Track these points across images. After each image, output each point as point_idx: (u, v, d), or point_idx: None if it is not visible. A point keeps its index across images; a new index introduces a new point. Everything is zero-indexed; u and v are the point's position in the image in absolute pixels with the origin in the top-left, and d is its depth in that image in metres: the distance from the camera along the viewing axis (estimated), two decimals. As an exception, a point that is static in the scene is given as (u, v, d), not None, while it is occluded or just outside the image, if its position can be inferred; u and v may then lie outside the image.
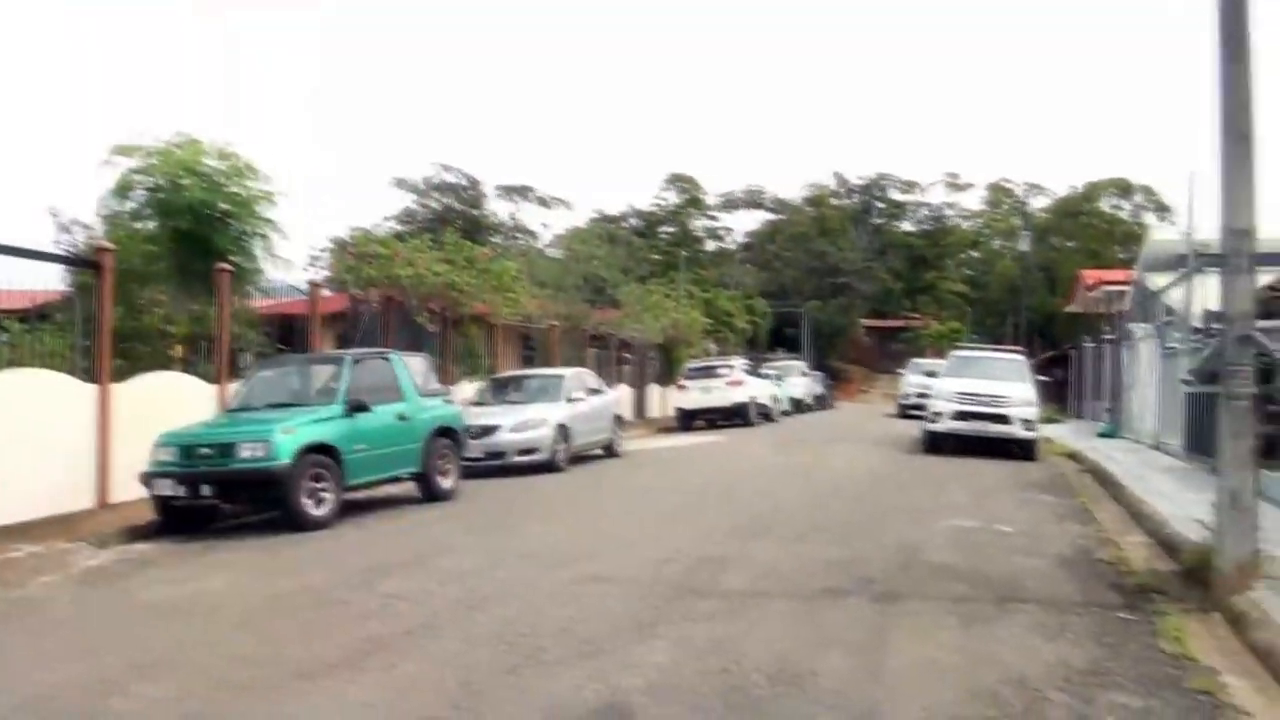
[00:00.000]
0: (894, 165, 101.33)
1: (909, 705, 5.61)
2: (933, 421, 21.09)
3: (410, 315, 20.23)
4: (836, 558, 9.65)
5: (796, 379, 39.72)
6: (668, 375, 34.85)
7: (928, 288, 77.46)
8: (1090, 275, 41.14)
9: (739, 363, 32.45)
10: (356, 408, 12.46)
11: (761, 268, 75.62)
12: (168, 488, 11.64)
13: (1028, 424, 20.33)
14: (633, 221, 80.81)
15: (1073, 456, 20.70)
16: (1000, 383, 21.14)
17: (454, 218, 71.27)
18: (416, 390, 13.78)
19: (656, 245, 74.33)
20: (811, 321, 68.79)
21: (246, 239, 17.38)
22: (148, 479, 11.80)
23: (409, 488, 14.10)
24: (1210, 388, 8.43)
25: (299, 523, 11.54)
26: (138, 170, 17.12)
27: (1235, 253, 8.16)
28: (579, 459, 18.94)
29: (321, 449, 11.93)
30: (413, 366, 14.04)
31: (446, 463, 14.20)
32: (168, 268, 16.90)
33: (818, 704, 5.61)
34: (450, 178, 73.47)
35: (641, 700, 5.61)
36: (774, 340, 65.98)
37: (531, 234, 74.98)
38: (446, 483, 14.11)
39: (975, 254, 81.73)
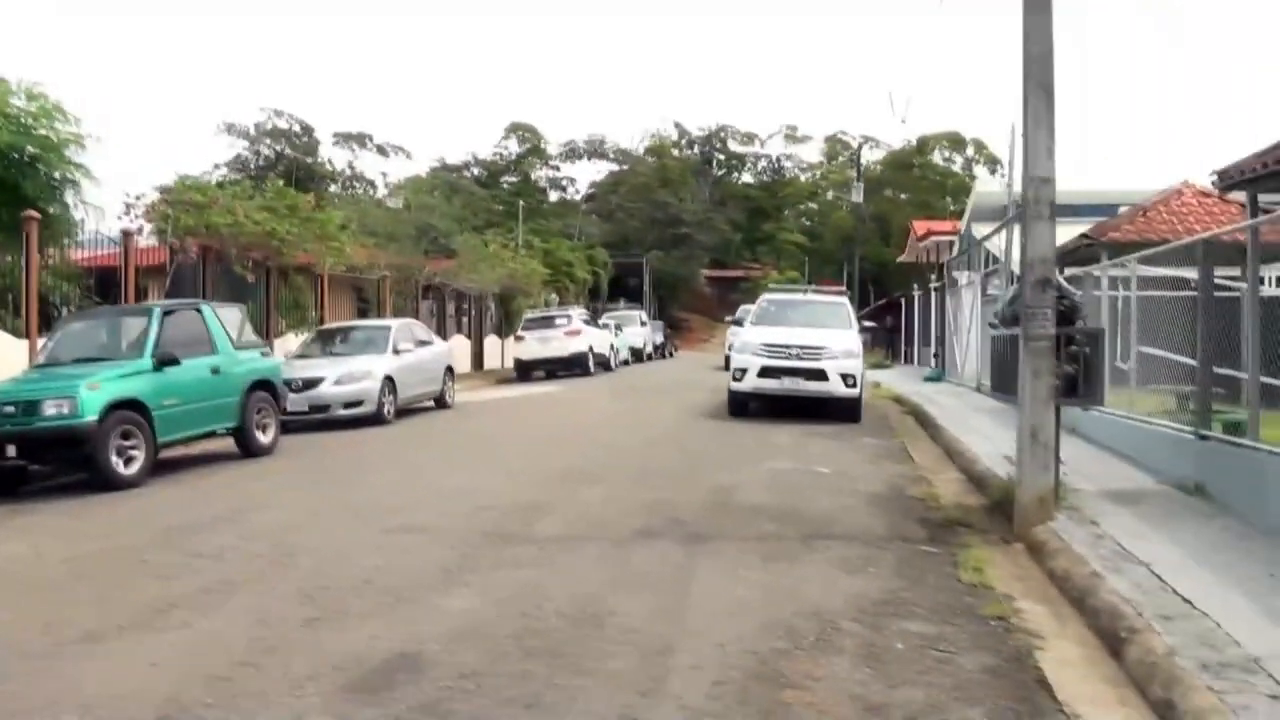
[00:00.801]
0: (734, 117, 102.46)
1: (704, 640, 5.67)
2: (736, 379, 17.35)
3: (229, 266, 19.46)
4: (653, 501, 9.73)
5: (636, 328, 39.86)
6: (507, 326, 34.57)
7: (767, 238, 78.71)
8: (920, 225, 42.42)
9: (576, 313, 32.38)
10: (166, 361, 11.93)
11: (605, 218, 75.57)
12: (-31, 448, 10.97)
13: (849, 379, 16.82)
14: (475, 171, 79.73)
15: (898, 400, 21.31)
16: (818, 330, 17.61)
17: (287, 165, 69.25)
18: (231, 343, 13.28)
19: (498, 195, 73.45)
20: (653, 271, 69.14)
21: (57, 185, 16.48)
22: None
23: (228, 444, 13.63)
24: (1013, 330, 8.69)
25: (108, 482, 11.04)
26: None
27: (1036, 199, 8.42)
28: (408, 411, 18.62)
29: (130, 405, 11.40)
30: (226, 318, 13.51)
31: (265, 417, 13.77)
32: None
33: (613, 642, 5.62)
34: (282, 124, 70.78)
35: (436, 649, 5.54)
36: (616, 290, 66.06)
37: (370, 183, 73.19)
38: (265, 438, 13.69)
39: (813, 205, 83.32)
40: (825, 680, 5.12)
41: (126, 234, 17.20)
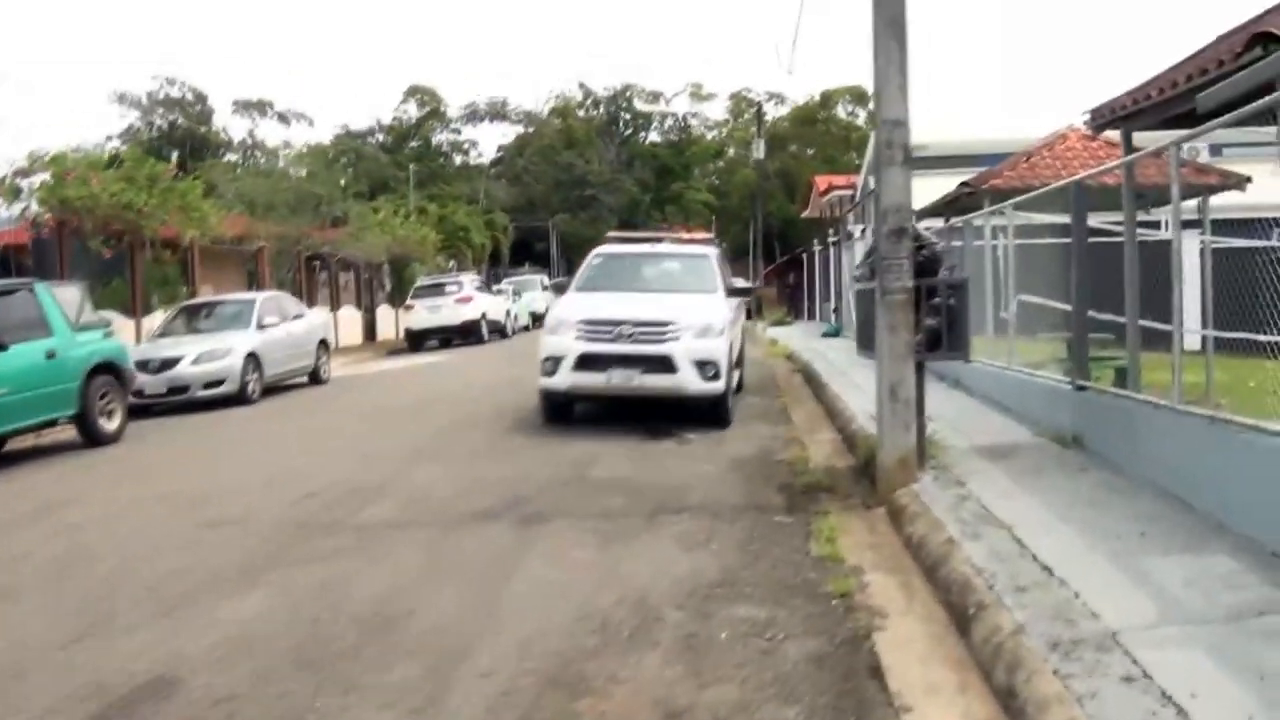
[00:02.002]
0: (640, 76, 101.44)
1: (506, 639, 5.05)
2: (547, 373, 11.81)
3: (85, 242, 18.32)
4: (500, 477, 9.09)
5: (537, 293, 39.00)
6: (400, 296, 33.54)
7: (675, 198, 78.02)
8: (822, 181, 42.03)
9: (469, 279, 31.42)
10: (-7, 347, 10.97)
11: (512, 182, 74.35)
12: None
13: (708, 368, 11.52)
14: (380, 137, 77.87)
15: (789, 358, 20.86)
16: (668, 298, 12.45)
17: (180, 135, 66.87)
18: (68, 324, 12.27)
19: (400, 160, 71.79)
20: (560, 234, 68.23)
21: None
22: None
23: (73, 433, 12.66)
24: (872, 284, 8.14)
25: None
26: None
27: (889, 143, 7.88)
28: (278, 389, 17.67)
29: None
30: (64, 298, 12.48)
31: (110, 403, 12.80)
32: None
33: (403, 649, 4.98)
34: (175, 92, 68.30)
35: (197, 669, 4.85)
36: (523, 255, 65.09)
37: (272, 152, 71.05)
38: (111, 425, 12.73)
39: (720, 164, 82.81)
40: (629, 682, 4.52)
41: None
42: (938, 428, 9.67)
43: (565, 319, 12.01)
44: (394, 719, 4.22)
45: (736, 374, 13.45)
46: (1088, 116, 10.16)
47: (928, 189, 19.19)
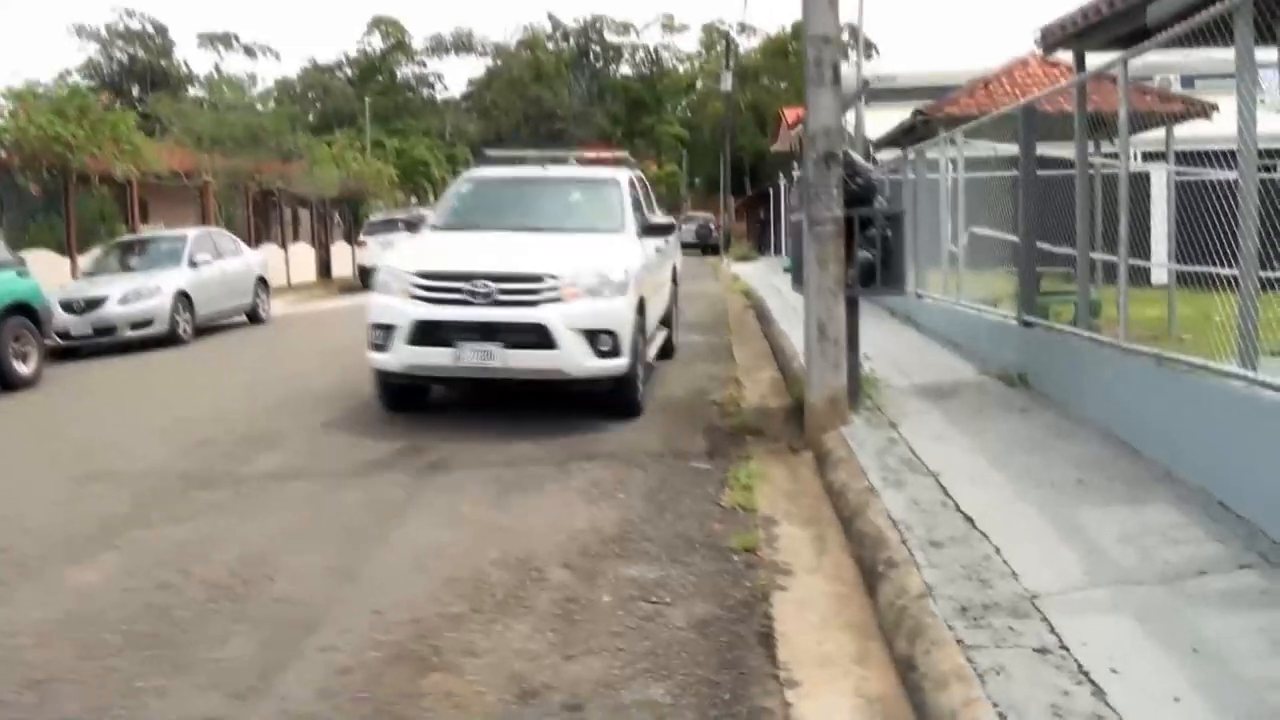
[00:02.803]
0: (609, 7, 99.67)
1: (361, 607, 4.56)
2: (376, 348, 8.45)
3: (13, 177, 17.53)
4: (407, 419, 8.56)
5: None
6: (357, 232, 32.73)
7: (646, 131, 76.96)
8: (791, 113, 41.12)
9: (425, 214, 30.58)
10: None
11: (481, 116, 73.15)
12: None
13: (602, 340, 8.20)
14: (347, 71, 76.38)
15: (746, 294, 20.34)
16: (555, 240, 9.03)
17: (140, 69, 65.49)
18: (-25, 263, 11.63)
19: (364, 95, 70.46)
20: (528, 170, 67.12)
21: None
22: None
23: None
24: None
25: None
26: None
27: (818, 61, 7.33)
28: (214, 329, 17.00)
29: None
30: (-34, 236, 11.84)
31: (23, 345, 12.15)
32: None
33: (247, 619, 4.49)
34: (135, 24, 66.90)
35: (20, 645, 4.34)
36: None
37: (237, 87, 69.73)
38: (25, 368, 12.10)
39: (693, 97, 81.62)
40: (488, 655, 4.05)
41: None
42: (878, 366, 9.24)
43: (399, 271, 8.41)
44: (214, 703, 3.72)
45: (660, 338, 10.60)
46: (1038, 36, 9.61)
47: (895, 121, 18.69)
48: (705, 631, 4.24)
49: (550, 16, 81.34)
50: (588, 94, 77.67)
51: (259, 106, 34.77)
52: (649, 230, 9.87)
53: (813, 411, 7.39)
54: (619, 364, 8.22)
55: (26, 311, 12.32)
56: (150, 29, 67.76)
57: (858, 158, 8.10)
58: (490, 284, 8.02)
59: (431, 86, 79.65)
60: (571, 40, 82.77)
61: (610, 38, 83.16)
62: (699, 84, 79.20)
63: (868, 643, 4.16)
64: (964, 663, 3.57)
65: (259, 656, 4.10)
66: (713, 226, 47.93)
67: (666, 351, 11.31)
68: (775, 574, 4.90)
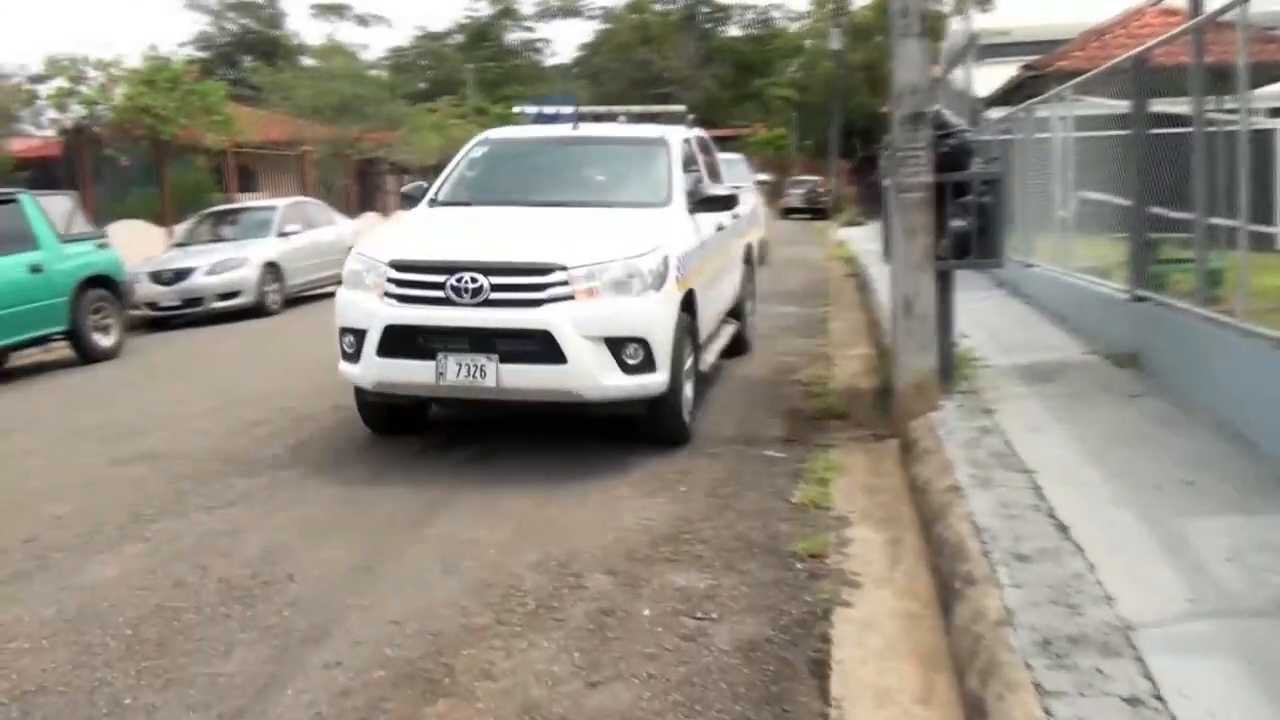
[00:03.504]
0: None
1: (379, 614, 4.19)
2: (347, 358, 6.59)
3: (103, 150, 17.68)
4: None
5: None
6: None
7: (756, 94, 75.67)
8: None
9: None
10: (-37, 261, 10.35)
11: (591, 81, 72.76)
12: None
13: (627, 348, 6.18)
14: (459, 39, 76.63)
15: (849, 260, 19.57)
16: (577, 217, 7.19)
17: (251, 40, 66.64)
18: (57, 237, 11.57)
19: (473, 62, 70.64)
20: (635, 134, 66.59)
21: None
22: None
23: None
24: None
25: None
26: None
27: (904, 11, 6.65)
28: (304, 299, 16.87)
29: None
30: (51, 209, 11.75)
31: (105, 317, 12.12)
32: None
33: (257, 625, 4.16)
34: (245, -4, 68.25)
35: (20, 650, 4.08)
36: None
37: (352, 55, 70.73)
38: (106, 340, 12.07)
39: (803, 58, 79.97)
40: (505, 678, 3.64)
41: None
42: (977, 343, 8.59)
43: (371, 259, 6.51)
44: (195, 728, 3.39)
45: (726, 334, 8.90)
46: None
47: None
48: (751, 656, 3.76)
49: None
50: (696, 57, 76.56)
51: (368, 74, 34.69)
52: (704, 203, 7.69)
53: (899, 396, 6.81)
54: (653, 381, 6.20)
55: (107, 284, 12.28)
56: (261, 0, 68.90)
57: (950, 116, 7.43)
58: (481, 277, 6.06)
59: (539, 52, 79.50)
60: (680, 2, 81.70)
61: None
62: (808, 44, 77.50)
63: (934, 676, 3.65)
64: (1041, 715, 3.04)
65: (259, 671, 3.76)
66: (820, 190, 46.86)
67: (738, 347, 9.56)
68: (840, 586, 4.39)
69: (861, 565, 4.67)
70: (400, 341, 6.20)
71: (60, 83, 16.68)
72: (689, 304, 6.90)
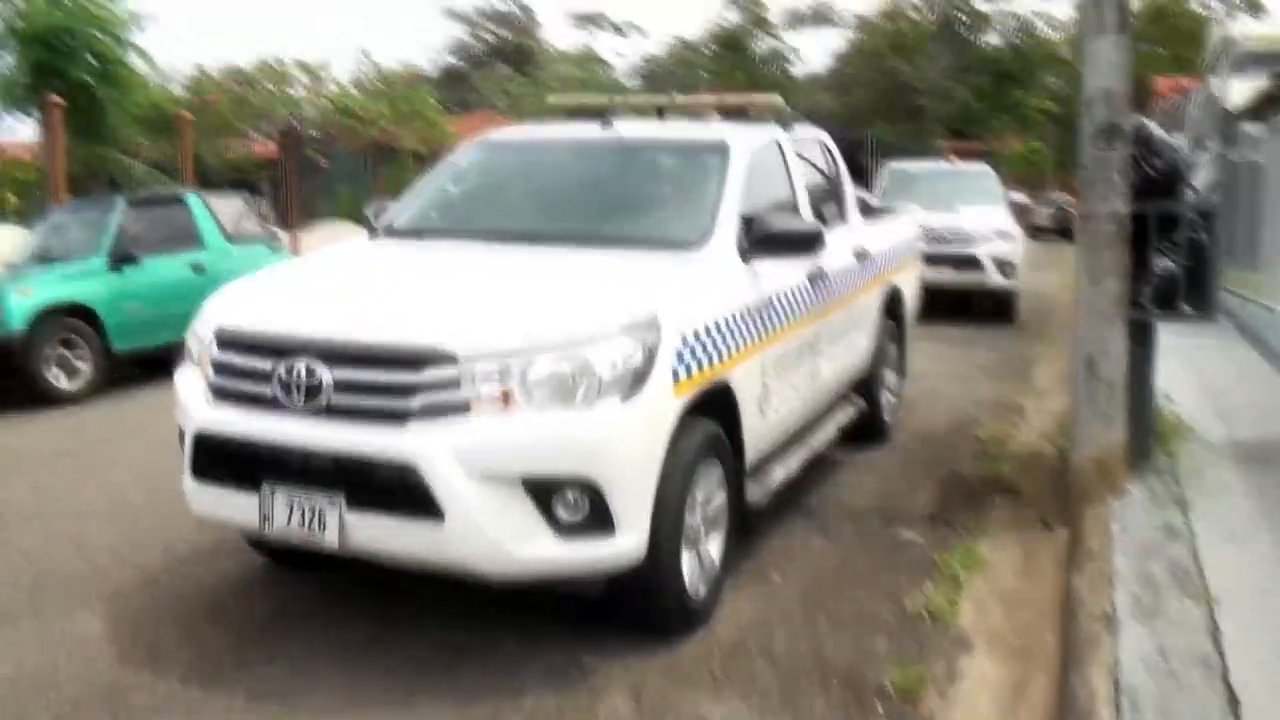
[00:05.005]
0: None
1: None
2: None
3: (330, 149, 17.99)
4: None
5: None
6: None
7: (1013, 106, 72.22)
8: (1165, 84, 36.95)
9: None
10: (123, 260, 10.34)
11: (841, 91, 71.29)
12: (-94, 356, 9.85)
13: (566, 500, 3.75)
14: (713, 48, 76.60)
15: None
16: (542, 264, 4.71)
17: (506, 49, 68.57)
18: (224, 236, 11.52)
19: (719, 70, 70.38)
20: (880, 146, 64.66)
21: (110, 68, 15.47)
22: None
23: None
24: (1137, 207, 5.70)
25: (43, 395, 9.65)
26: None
27: (1095, 3, 5.43)
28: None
29: (74, 310, 9.92)
30: (221, 209, 11.74)
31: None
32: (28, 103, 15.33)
33: None
34: (502, 6, 70.54)
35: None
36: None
37: (605, 63, 72.27)
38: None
39: (1065, 68, 75.84)
40: None
41: (180, 117, 15.60)
42: (1190, 406, 7.20)
43: (202, 323, 4.44)
44: None
45: (842, 417, 6.46)
46: None
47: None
48: None
49: (916, -16, 77.65)
50: (952, 67, 73.73)
51: (592, 80, 34.72)
52: (766, 244, 4.96)
53: (1076, 475, 5.59)
54: (610, 549, 3.84)
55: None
56: (517, 9, 70.92)
57: (1158, 132, 6.11)
58: (320, 367, 3.85)
59: (788, 61, 78.28)
60: (937, 9, 78.97)
61: (979, 5, 78.58)
62: (1067, 53, 73.35)
63: None
64: None
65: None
66: (1070, 210, 43.93)
67: (870, 431, 7.10)
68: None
69: (963, 716, 3.59)
70: (216, 459, 4.12)
71: (270, 86, 17.05)
72: (720, 406, 4.50)
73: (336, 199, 18.72)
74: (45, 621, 4.48)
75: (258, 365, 3.99)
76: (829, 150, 6.99)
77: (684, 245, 4.81)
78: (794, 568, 4.91)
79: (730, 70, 69.60)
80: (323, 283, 4.82)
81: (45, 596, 4.78)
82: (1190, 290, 5.76)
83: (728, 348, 4.48)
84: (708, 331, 4.33)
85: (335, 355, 3.85)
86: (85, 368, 9.96)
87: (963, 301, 13.23)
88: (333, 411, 3.81)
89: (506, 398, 3.71)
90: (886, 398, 7.41)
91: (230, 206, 12.06)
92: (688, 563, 4.17)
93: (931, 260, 10.51)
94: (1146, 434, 5.95)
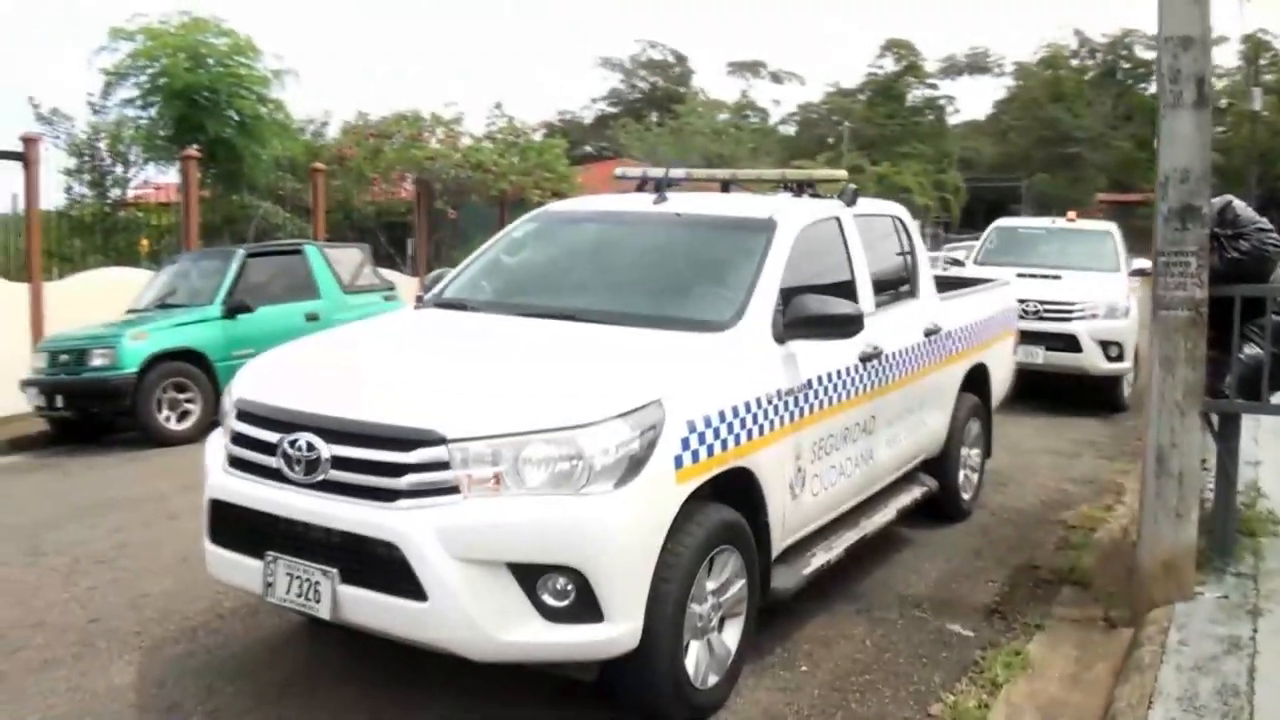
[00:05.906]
0: (1142, 20, 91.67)
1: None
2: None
3: (463, 202, 18.49)
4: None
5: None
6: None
7: (1174, 157, 69.52)
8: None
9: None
10: (237, 309, 10.78)
11: (998, 139, 70.14)
12: (34, 397, 10.52)
13: (543, 584, 3.69)
14: (868, 94, 76.22)
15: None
16: (565, 343, 4.67)
17: (659, 96, 69.44)
18: (340, 287, 11.89)
19: (873, 118, 69.90)
20: (1035, 196, 63.02)
21: (249, 122, 16.22)
22: (24, 387, 10.61)
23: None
24: (1223, 290, 5.39)
25: (155, 437, 10.18)
26: (136, 54, 16.24)
27: (1174, 74, 5.19)
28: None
29: (186, 355, 10.40)
30: (338, 260, 12.15)
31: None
32: (168, 155, 16.17)
33: None
34: (656, 55, 71.67)
35: None
36: (997, 215, 60.87)
37: (763, 111, 72.90)
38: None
39: (1229, 118, 72.75)
40: None
41: (314, 169, 16.17)
42: (1263, 499, 6.72)
43: (230, 391, 4.68)
44: None
45: (905, 499, 6.26)
46: None
47: None
48: None
49: (1077, 33, 75.76)
50: (1113, 115, 71.64)
51: (730, 130, 34.82)
52: (802, 325, 4.79)
53: (1141, 574, 5.28)
54: (600, 636, 3.75)
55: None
56: (671, 58, 71.85)
57: (1246, 211, 5.77)
58: (319, 443, 3.93)
59: (942, 109, 77.17)
60: (1098, 57, 76.87)
61: (1142, 53, 76.22)
62: (1224, 102, 70.31)
63: None
64: None
65: None
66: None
67: (947, 512, 7.00)
68: None
69: None
70: (229, 525, 4.26)
71: (403, 136, 17.57)
72: (740, 491, 4.42)
73: (470, 248, 19.17)
74: (82, 671, 4.67)
75: (266, 437, 4.11)
76: (901, 224, 6.77)
77: (713, 326, 4.69)
78: (826, 657, 4.76)
79: (886, 118, 69.12)
80: (338, 357, 4.94)
81: (90, 645, 4.97)
82: (1276, 379, 5.43)
83: (750, 431, 4.36)
84: (726, 415, 4.22)
85: (333, 432, 3.92)
86: (197, 410, 10.40)
87: (1064, 386, 11.37)
88: (329, 486, 3.87)
89: (498, 480, 3.70)
90: (965, 477, 7.15)
91: (349, 257, 12.47)
92: (695, 651, 4.07)
93: (1021, 337, 9.08)
94: (1227, 532, 5.61)
